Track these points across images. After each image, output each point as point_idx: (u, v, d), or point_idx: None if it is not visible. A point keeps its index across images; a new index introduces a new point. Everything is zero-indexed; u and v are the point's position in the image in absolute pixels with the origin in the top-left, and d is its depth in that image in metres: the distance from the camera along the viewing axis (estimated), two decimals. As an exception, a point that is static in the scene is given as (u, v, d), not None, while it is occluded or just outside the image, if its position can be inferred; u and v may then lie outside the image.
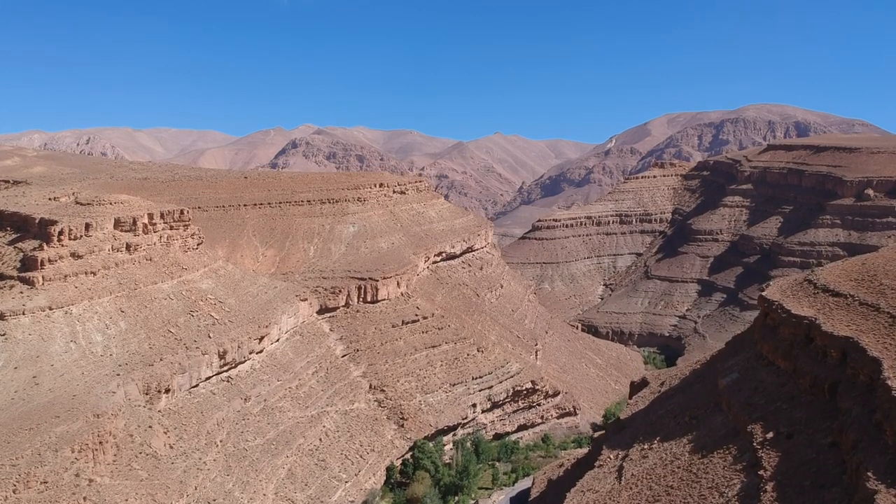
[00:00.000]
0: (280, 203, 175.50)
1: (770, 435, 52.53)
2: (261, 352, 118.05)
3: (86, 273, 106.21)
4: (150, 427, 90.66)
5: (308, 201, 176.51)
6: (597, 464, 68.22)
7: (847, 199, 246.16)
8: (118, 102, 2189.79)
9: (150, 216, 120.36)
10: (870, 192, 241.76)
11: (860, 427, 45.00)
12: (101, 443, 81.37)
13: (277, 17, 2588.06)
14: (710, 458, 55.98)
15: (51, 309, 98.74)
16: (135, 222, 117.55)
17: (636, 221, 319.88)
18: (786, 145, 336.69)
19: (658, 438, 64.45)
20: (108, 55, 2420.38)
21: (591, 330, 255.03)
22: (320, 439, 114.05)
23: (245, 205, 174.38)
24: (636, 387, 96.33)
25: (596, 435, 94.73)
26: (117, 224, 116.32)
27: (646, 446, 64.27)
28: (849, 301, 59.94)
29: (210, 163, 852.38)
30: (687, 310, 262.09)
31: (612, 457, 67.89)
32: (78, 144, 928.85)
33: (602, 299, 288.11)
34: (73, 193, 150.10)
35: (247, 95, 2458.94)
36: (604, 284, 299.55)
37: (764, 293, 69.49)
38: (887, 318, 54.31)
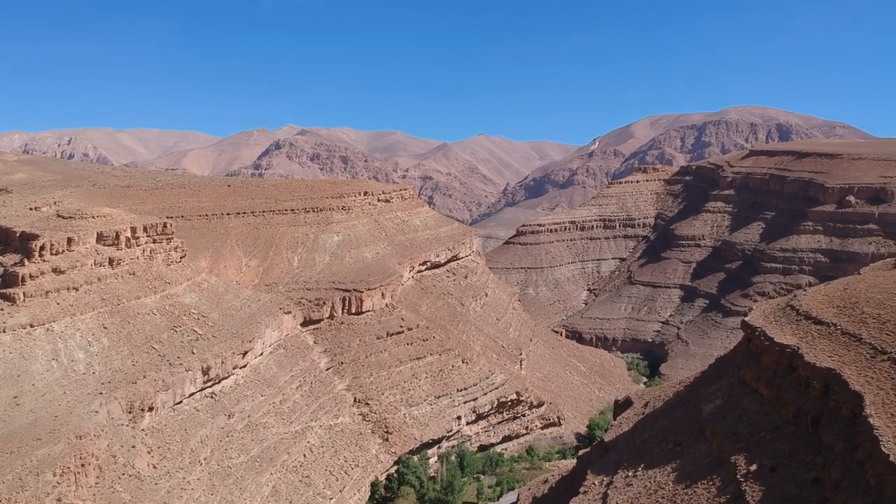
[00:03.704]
0: (263, 212, 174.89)
1: (754, 467, 52.81)
2: (244, 366, 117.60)
3: (68, 289, 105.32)
4: (133, 447, 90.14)
5: (292, 210, 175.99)
6: (581, 489, 68.43)
7: (829, 206, 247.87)
8: (100, 103, 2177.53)
9: (133, 230, 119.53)
10: (851, 198, 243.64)
11: (843, 464, 45.31)
12: (83, 465, 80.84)
13: (260, 17, 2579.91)
14: (693, 488, 56.27)
15: (32, 326, 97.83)
16: (117, 236, 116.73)
17: (620, 226, 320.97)
18: (768, 151, 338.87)
19: (642, 465, 64.68)
20: (90, 55, 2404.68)
21: (576, 336, 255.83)
22: (304, 455, 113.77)
23: (228, 213, 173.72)
24: (620, 406, 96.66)
25: (581, 453, 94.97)
26: (100, 238, 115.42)
27: (630, 473, 64.52)
28: (831, 330, 60.30)
29: (193, 164, 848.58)
30: (670, 315, 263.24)
31: (596, 483, 68.13)
32: (59, 145, 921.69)
33: (586, 305, 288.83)
34: (55, 203, 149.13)
35: (230, 96, 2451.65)
36: (588, 289, 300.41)
37: (747, 318, 69.84)
38: (869, 350, 54.67)
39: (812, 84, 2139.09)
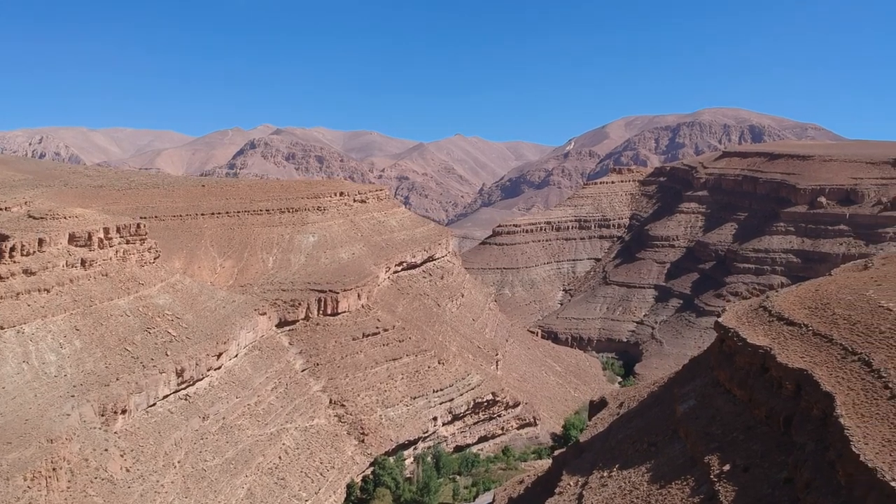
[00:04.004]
0: (238, 212, 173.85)
1: (727, 467, 53.34)
2: (219, 368, 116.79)
3: (39, 290, 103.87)
4: (105, 450, 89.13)
5: (267, 210, 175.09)
6: (557, 490, 68.76)
7: (800, 207, 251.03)
8: (72, 101, 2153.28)
9: (106, 231, 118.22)
10: (822, 199, 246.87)
11: (814, 464, 45.89)
12: (54, 469, 79.78)
13: (235, 16, 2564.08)
14: (668, 488, 56.72)
15: (2, 328, 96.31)
16: (90, 237, 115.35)
17: (595, 227, 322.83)
18: (741, 152, 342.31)
19: (617, 466, 65.11)
20: (62, 53, 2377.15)
21: (551, 336, 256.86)
22: (280, 457, 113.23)
23: (202, 214, 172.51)
24: (595, 406, 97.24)
25: (556, 453, 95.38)
26: (72, 239, 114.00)
27: (605, 474, 64.94)
28: (802, 331, 61.05)
29: (167, 163, 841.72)
30: (644, 315, 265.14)
31: (571, 483, 68.49)
32: (30, 144, 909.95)
33: (562, 305, 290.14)
34: (26, 203, 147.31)
35: (204, 95, 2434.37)
36: (563, 290, 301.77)
37: (720, 319, 70.53)
38: (840, 351, 55.40)
39: (784, 86, 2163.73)
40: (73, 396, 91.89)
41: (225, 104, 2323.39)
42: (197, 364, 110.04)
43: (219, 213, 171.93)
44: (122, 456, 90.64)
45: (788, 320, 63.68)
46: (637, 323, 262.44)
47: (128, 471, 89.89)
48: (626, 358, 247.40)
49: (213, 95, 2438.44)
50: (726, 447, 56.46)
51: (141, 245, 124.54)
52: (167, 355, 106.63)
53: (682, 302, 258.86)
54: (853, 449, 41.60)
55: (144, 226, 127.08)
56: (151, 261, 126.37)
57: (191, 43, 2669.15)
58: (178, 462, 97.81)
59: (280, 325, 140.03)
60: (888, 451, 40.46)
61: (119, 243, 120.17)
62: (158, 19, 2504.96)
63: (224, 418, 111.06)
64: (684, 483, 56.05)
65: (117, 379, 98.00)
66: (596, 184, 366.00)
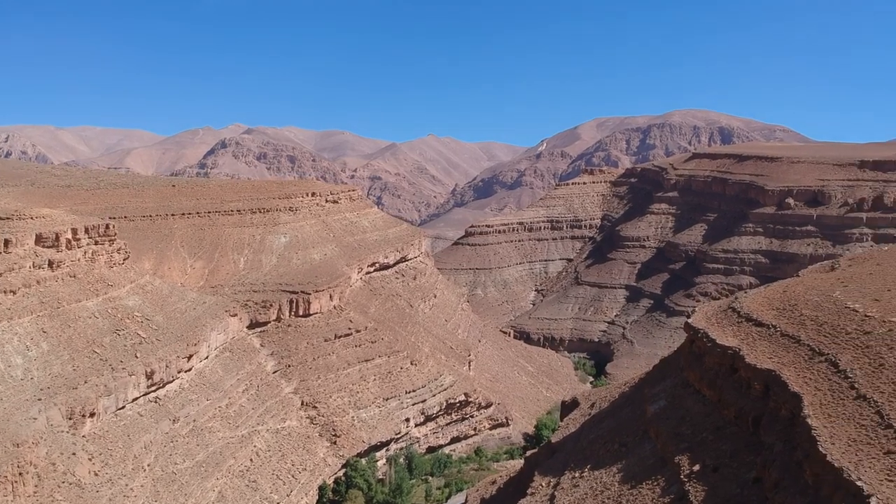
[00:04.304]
0: (209, 212, 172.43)
1: (697, 467, 53.81)
2: (189, 370, 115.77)
3: (4, 292, 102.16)
4: (73, 454, 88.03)
5: (238, 211, 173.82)
6: (529, 491, 68.99)
7: (769, 208, 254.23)
8: (40, 99, 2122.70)
9: (74, 231, 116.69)
10: (790, 201, 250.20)
11: (782, 464, 46.47)
12: (21, 474, 78.62)
13: (207, 13, 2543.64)
14: (639, 488, 57.10)
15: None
16: (58, 238, 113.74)
17: (567, 227, 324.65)
18: (710, 154, 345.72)
19: (589, 466, 65.47)
20: (29, 50, 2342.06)
21: (523, 336, 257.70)
22: (251, 460, 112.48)
23: (173, 214, 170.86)
24: (567, 407, 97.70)
25: (528, 454, 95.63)
26: (39, 240, 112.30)
27: (577, 474, 65.26)
28: (771, 331, 61.78)
29: (137, 163, 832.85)
30: (616, 315, 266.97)
31: (543, 484, 68.76)
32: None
33: (534, 305, 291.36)
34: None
35: (175, 93, 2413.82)
36: (535, 290, 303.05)
37: (690, 320, 71.18)
38: (807, 351, 56.14)
39: (753, 88, 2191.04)
40: (39, 400, 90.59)
41: (195, 103, 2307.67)
42: (167, 366, 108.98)
43: (189, 214, 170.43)
44: (90, 460, 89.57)
45: (757, 321, 64.41)
46: (608, 323, 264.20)
47: (96, 475, 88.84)
48: (597, 358, 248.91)
49: (183, 94, 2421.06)
50: (696, 447, 56.96)
51: (110, 246, 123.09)
52: (137, 357, 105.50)
53: (652, 302, 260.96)
54: (820, 449, 42.15)
55: (113, 226, 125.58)
56: (121, 262, 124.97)
57: (161, 41, 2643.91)
58: (148, 465, 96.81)
59: (251, 326, 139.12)
60: (854, 451, 41.06)
61: (87, 244, 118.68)
62: (128, 16, 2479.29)
63: (195, 421, 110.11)
64: (655, 483, 56.46)
65: (85, 382, 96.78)
66: (568, 184, 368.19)
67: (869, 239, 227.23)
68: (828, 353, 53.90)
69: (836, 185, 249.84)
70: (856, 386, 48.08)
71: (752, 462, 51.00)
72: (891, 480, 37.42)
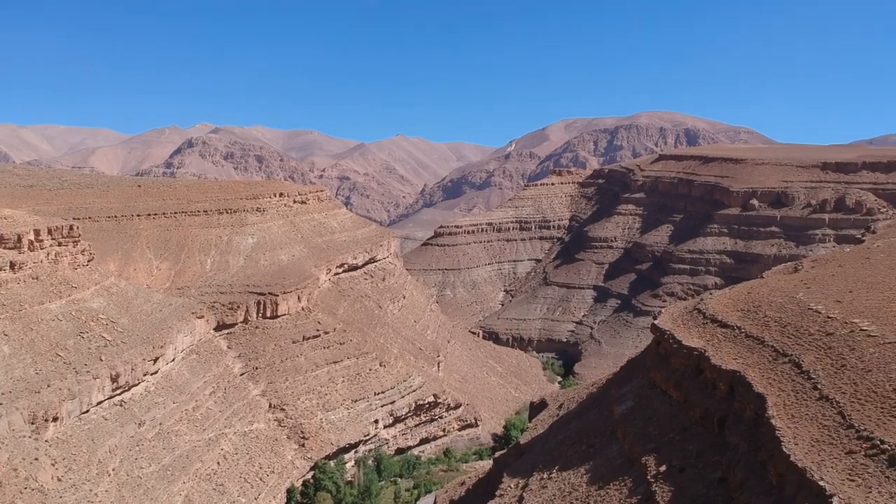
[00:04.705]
0: (175, 213, 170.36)
1: (663, 468, 54.44)
2: (155, 373, 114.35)
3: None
4: (36, 459, 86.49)
5: (205, 211, 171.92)
6: (498, 493, 69.32)
7: (733, 209, 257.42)
8: (1, 97, 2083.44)
9: (37, 232, 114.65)
10: (754, 202, 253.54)
11: (747, 464, 47.16)
12: (-18, 480, 77.26)
13: (172, 10, 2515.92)
14: (606, 489, 57.63)
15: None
16: (20, 239, 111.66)
17: (535, 228, 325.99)
18: (676, 155, 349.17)
19: (557, 467, 65.92)
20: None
21: (492, 336, 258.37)
22: (218, 463, 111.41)
23: (138, 215, 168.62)
24: (535, 408, 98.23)
25: (497, 455, 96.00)
26: (0, 241, 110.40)
27: (545, 475, 65.66)
28: (735, 333, 62.67)
29: (101, 162, 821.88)
30: (583, 315, 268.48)
31: (512, 485, 69.10)
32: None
33: (503, 305, 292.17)
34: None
35: (140, 92, 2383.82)
36: (504, 290, 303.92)
37: (656, 322, 71.94)
38: (771, 352, 57.03)
39: (718, 90, 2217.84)
40: (1, 404, 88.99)
41: (162, 102, 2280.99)
42: (132, 369, 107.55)
43: (155, 214, 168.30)
44: (53, 465, 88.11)
45: (722, 322, 65.30)
46: (576, 323, 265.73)
47: (59, 480, 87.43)
48: (565, 358, 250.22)
49: (149, 92, 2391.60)
50: (663, 448, 57.61)
51: (74, 247, 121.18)
52: (101, 360, 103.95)
53: (619, 302, 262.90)
54: (784, 449, 42.86)
55: (77, 227, 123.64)
56: (85, 263, 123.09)
57: (127, 37, 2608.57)
58: (113, 470, 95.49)
59: (218, 328, 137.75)
60: (817, 451, 41.80)
61: (50, 245, 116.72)
62: (92, 10, 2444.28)
63: (161, 424, 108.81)
64: (622, 484, 57.02)
65: (48, 385, 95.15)
66: (536, 185, 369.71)
67: (831, 240, 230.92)
68: (791, 355, 54.79)
69: (799, 186, 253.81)
70: (818, 387, 48.93)
71: (718, 462, 51.70)
72: (852, 480, 38.16)
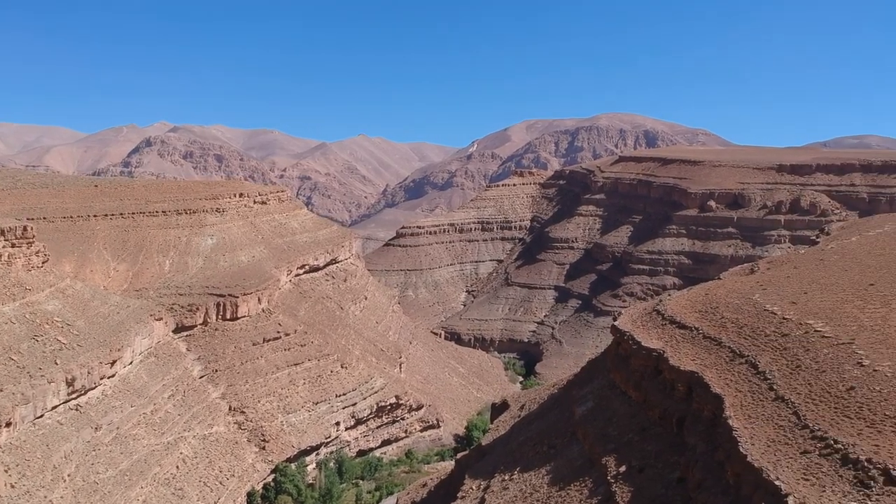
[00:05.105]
0: (133, 214, 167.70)
1: (623, 468, 54.96)
2: (113, 376, 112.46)
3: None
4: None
5: (163, 212, 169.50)
6: (460, 495, 69.44)
7: (691, 210, 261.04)
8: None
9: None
10: (712, 203, 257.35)
11: (705, 464, 47.80)
12: (-68, 488, 75.44)
13: (129, 6, 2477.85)
14: (567, 490, 58.02)
15: None
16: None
17: (497, 229, 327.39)
18: (636, 157, 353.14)
19: (518, 469, 66.22)
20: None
21: (454, 337, 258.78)
22: (177, 467, 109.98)
23: (95, 215, 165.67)
24: (497, 409, 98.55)
25: (459, 456, 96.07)
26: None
27: (506, 477, 65.92)
28: (693, 334, 63.50)
29: (56, 161, 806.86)
30: (545, 316, 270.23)
31: (474, 487, 69.26)
32: None
33: (465, 306, 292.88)
34: None
35: (97, 90, 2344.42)
36: (466, 291, 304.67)
37: (616, 323, 72.62)
38: (728, 353, 57.88)
39: (676, 93, 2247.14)
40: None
41: (119, 100, 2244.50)
42: (89, 372, 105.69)
43: (112, 215, 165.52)
44: (6, 471, 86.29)
45: (680, 324, 66.10)
46: (538, 323, 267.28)
47: (13, 487, 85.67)
48: (527, 358, 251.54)
49: (106, 90, 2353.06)
50: (622, 448, 58.17)
51: (28, 248, 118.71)
52: (56, 364, 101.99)
53: (580, 302, 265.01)
54: (741, 449, 43.52)
55: (32, 228, 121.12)
56: (39, 265, 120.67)
57: (83, 34, 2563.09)
58: (69, 476, 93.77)
59: (177, 330, 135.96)
60: (773, 451, 42.50)
61: (3, 247, 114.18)
62: (48, 6, 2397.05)
63: (118, 428, 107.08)
64: (582, 485, 57.45)
65: (1, 390, 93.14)
66: (498, 186, 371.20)
67: (786, 240, 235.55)
68: (748, 355, 55.65)
69: (755, 188, 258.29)
70: (774, 387, 49.76)
71: (677, 462, 52.34)
72: (807, 479, 38.86)
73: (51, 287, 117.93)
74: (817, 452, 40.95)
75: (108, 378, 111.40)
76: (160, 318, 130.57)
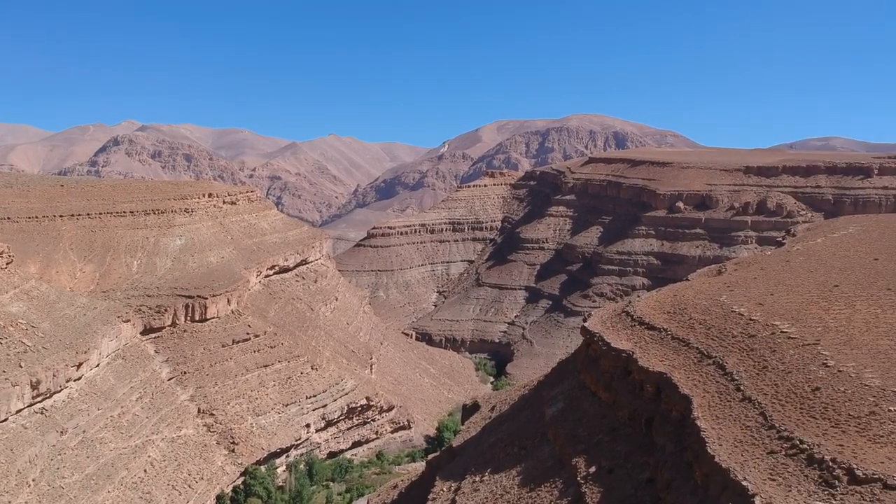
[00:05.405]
0: (100, 214, 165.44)
1: (593, 469, 55.34)
2: (79, 379, 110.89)
3: None
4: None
5: (131, 212, 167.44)
6: (430, 496, 69.42)
7: (660, 211, 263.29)
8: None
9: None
10: (680, 204, 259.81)
11: (673, 465, 48.30)
12: None
13: (95, 7, 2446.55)
14: (537, 491, 58.29)
15: None
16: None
17: (468, 229, 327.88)
18: (605, 158, 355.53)
19: (489, 470, 66.40)
20: None
21: (426, 338, 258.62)
22: (145, 470, 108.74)
23: (61, 215, 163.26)
24: (468, 410, 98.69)
25: (430, 457, 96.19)
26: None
27: (477, 478, 66.07)
28: (662, 335, 64.15)
29: (21, 160, 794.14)
30: (516, 316, 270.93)
31: (445, 489, 69.29)
32: None
33: (436, 307, 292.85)
34: None
35: (63, 87, 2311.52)
36: (437, 292, 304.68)
37: (586, 324, 73.09)
38: (696, 354, 58.57)
39: (645, 94, 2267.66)
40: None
41: (86, 98, 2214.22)
42: (54, 375, 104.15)
43: (79, 215, 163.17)
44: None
45: (649, 325, 66.73)
46: (508, 324, 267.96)
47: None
48: (497, 358, 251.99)
49: (73, 88, 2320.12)
50: (592, 449, 58.58)
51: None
52: (21, 367, 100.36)
53: (551, 303, 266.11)
54: (709, 450, 44.06)
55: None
56: (3, 266, 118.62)
57: (49, 32, 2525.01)
58: (33, 480, 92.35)
59: (145, 332, 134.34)
60: (740, 452, 43.09)
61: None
62: (11, 4, 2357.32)
63: (84, 432, 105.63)
64: (553, 486, 57.75)
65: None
66: (469, 187, 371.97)
67: (753, 241, 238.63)
68: (715, 356, 56.34)
69: (723, 189, 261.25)
70: (741, 388, 50.44)
71: (646, 463, 52.81)
72: (773, 479, 39.44)
73: (15, 289, 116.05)
74: (783, 453, 41.58)
75: (75, 381, 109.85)
76: (128, 320, 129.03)
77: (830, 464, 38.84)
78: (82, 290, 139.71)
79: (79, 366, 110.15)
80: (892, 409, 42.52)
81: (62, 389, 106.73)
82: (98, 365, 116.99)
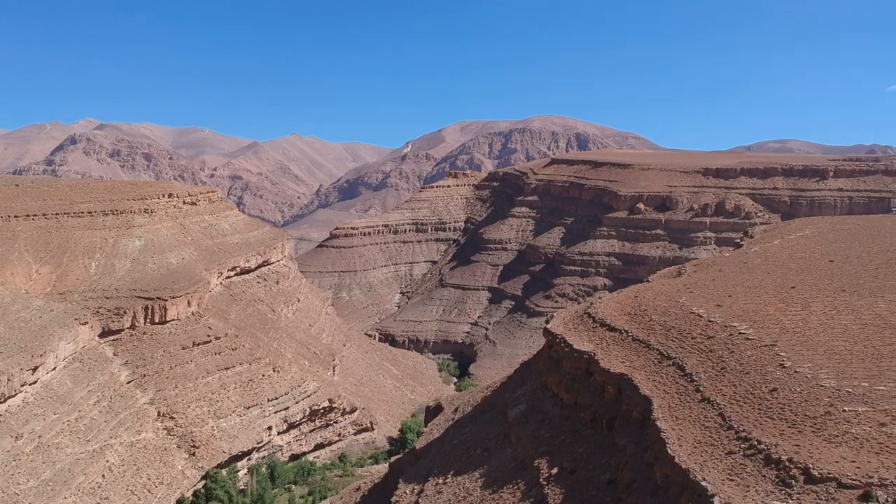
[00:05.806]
0: (57, 214, 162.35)
1: (555, 470, 55.65)
2: (35, 383, 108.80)
3: None
4: None
5: (89, 212, 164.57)
6: (394, 499, 69.21)
7: (621, 213, 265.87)
8: None
9: None
10: (641, 206, 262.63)
11: (634, 465, 48.73)
12: None
13: (51, 3, 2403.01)
14: (500, 493, 58.45)
15: None
16: None
17: (431, 230, 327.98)
18: (568, 160, 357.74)
19: (452, 472, 66.42)
20: None
21: (389, 339, 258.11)
22: (103, 475, 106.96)
23: (16, 216, 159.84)
24: (431, 412, 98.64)
25: (393, 460, 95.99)
26: None
27: (440, 480, 66.03)
28: (623, 336, 64.75)
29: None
30: (479, 317, 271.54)
31: (408, 491, 69.16)
32: None
33: (399, 307, 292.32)
34: None
35: (18, 84, 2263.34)
36: (401, 292, 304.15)
37: (548, 326, 73.48)
38: (657, 355, 59.21)
39: (606, 96, 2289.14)
40: None
41: (42, 95, 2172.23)
42: (9, 380, 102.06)
43: (35, 216, 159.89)
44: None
45: (610, 326, 67.32)
46: (472, 324, 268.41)
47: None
48: (461, 359, 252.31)
49: (28, 85, 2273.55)
50: (554, 450, 58.91)
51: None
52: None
53: (514, 303, 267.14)
54: (668, 451, 44.53)
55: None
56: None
57: (2, 26, 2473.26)
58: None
59: (104, 334, 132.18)
60: (699, 452, 43.63)
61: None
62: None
63: (40, 437, 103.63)
64: (515, 487, 57.95)
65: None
66: (433, 187, 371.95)
67: (712, 242, 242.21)
68: (675, 357, 57.01)
69: (682, 191, 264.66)
70: (700, 389, 51.09)
71: (607, 464, 53.23)
72: (732, 480, 40.00)
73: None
74: (742, 453, 42.19)
75: (30, 385, 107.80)
76: (85, 322, 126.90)
77: (787, 464, 39.50)
78: (38, 292, 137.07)
79: (34, 369, 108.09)
80: (846, 409, 43.41)
81: (17, 394, 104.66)
82: (55, 368, 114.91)
